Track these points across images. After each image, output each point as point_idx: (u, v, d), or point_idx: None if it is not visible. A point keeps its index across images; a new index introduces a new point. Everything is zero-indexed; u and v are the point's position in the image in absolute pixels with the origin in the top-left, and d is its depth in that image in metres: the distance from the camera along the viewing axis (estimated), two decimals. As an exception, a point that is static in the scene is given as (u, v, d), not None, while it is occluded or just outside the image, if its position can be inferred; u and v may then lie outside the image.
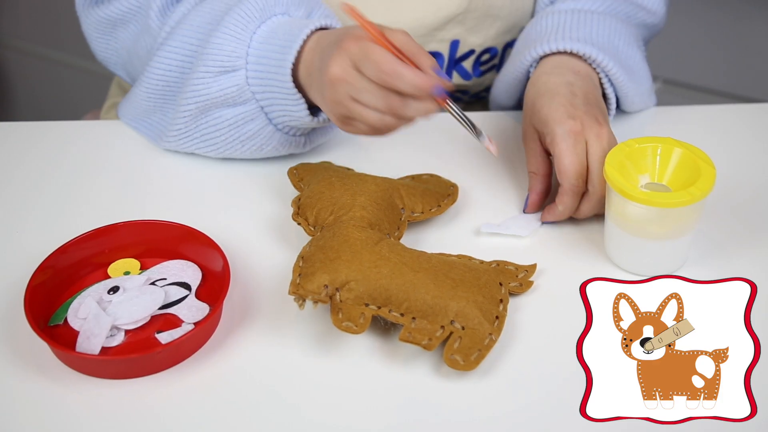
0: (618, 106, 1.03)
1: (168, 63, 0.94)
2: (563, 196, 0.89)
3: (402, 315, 0.78)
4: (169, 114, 0.96)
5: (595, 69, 0.97)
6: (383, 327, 0.80)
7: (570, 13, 1.02)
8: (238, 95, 0.90)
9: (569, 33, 0.98)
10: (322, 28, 0.89)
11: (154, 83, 0.95)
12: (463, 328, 0.77)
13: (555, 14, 1.02)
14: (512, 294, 0.83)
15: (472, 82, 1.10)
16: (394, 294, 0.78)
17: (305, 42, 0.87)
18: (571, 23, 1.00)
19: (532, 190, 0.92)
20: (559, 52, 0.97)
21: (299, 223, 0.87)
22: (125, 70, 1.04)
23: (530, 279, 0.84)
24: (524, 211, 0.92)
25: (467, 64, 1.08)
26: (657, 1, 1.08)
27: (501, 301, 0.80)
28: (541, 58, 0.99)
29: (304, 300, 0.77)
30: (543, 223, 0.91)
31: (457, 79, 1.09)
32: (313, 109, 0.91)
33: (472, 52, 1.07)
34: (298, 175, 0.93)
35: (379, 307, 0.78)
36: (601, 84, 0.99)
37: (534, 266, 0.85)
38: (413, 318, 0.77)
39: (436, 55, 1.06)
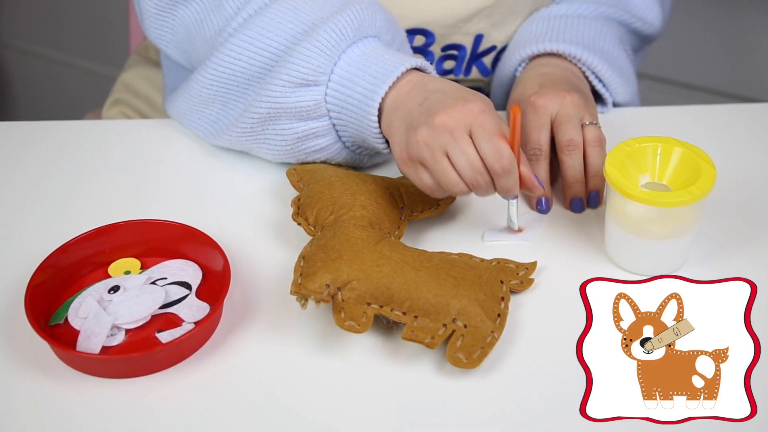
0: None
1: (240, 53, 0.91)
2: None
3: (404, 314, 0.78)
4: (232, 108, 0.94)
5: (581, 68, 1.02)
6: (385, 326, 0.80)
7: (559, 18, 1.06)
8: (313, 110, 0.89)
9: (555, 36, 1.03)
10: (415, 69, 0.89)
11: (221, 71, 0.93)
12: (465, 327, 0.77)
13: (545, 19, 1.06)
14: (513, 292, 0.83)
15: (489, 79, 1.11)
16: (396, 293, 0.78)
17: (398, 78, 0.87)
18: (558, 27, 1.04)
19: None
20: (544, 54, 1.02)
21: (299, 223, 0.87)
22: (180, 48, 1.00)
23: (531, 277, 0.84)
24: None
25: (487, 61, 1.09)
26: (654, 13, 1.10)
27: (502, 299, 0.80)
28: (530, 60, 1.03)
29: (306, 300, 0.78)
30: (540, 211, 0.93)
31: (475, 74, 1.10)
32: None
33: (493, 48, 1.08)
34: (297, 175, 0.93)
35: (382, 306, 0.78)
36: (590, 82, 1.02)
37: (534, 264, 0.85)
38: (415, 317, 0.78)
39: (459, 47, 1.07)
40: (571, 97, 0.94)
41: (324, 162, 0.94)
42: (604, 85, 1.03)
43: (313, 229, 0.86)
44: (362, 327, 0.76)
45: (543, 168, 0.93)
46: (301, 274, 0.79)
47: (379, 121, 0.88)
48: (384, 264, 0.79)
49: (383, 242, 0.81)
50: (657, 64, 1.57)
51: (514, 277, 0.84)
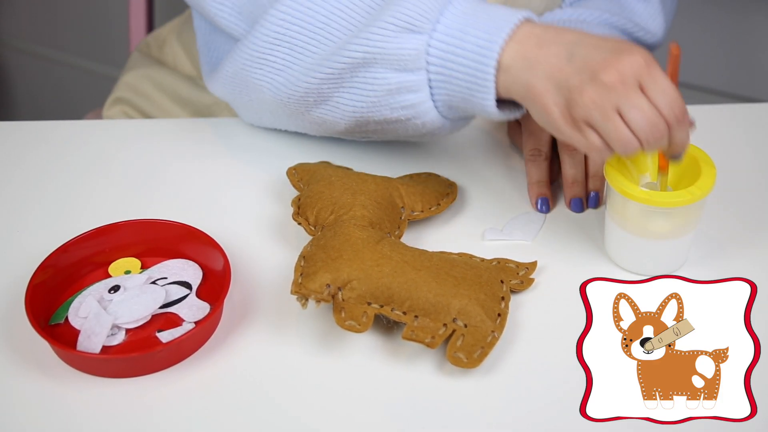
0: None
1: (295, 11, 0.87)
2: (527, 166, 0.94)
3: (404, 313, 0.78)
4: (308, 51, 0.88)
5: None
6: (386, 326, 0.80)
7: (563, 23, 1.04)
8: (412, 61, 0.84)
9: None
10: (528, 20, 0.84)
11: (295, 7, 0.87)
12: (465, 326, 0.77)
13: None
14: (513, 291, 0.83)
15: None
16: (396, 292, 0.78)
17: (515, 30, 0.82)
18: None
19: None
20: None
21: (299, 223, 0.87)
22: (238, 8, 0.93)
23: (531, 276, 0.84)
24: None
25: None
26: (657, 23, 1.10)
27: (503, 298, 0.80)
28: None
29: (306, 299, 0.78)
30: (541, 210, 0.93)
31: None
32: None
33: None
34: (297, 175, 0.93)
35: (382, 306, 0.78)
36: None
37: (534, 263, 0.85)
38: (416, 316, 0.78)
39: None
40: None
41: (409, 119, 0.87)
42: None
43: (313, 228, 0.86)
44: (362, 327, 0.76)
45: (543, 168, 0.93)
46: (301, 274, 0.79)
47: (497, 78, 0.82)
48: (384, 264, 0.79)
49: (383, 242, 0.82)
50: (657, 65, 1.57)
51: (515, 276, 0.84)
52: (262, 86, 0.92)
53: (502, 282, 0.82)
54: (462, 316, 0.77)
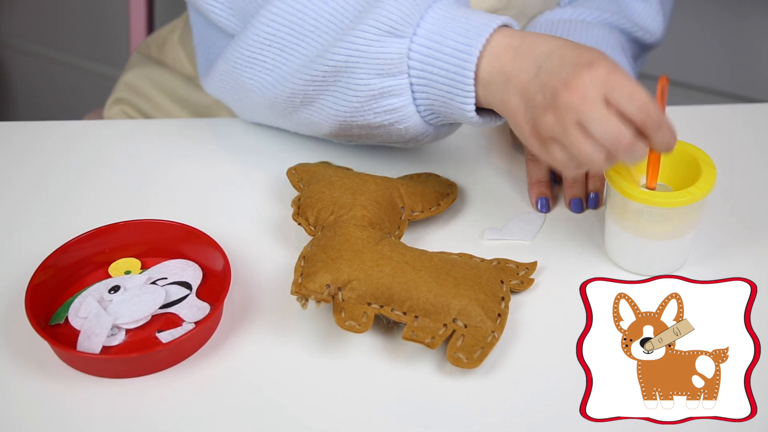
0: None
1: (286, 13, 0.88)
2: (527, 166, 0.94)
3: (404, 314, 0.78)
4: (296, 53, 0.88)
5: None
6: (386, 326, 0.80)
7: (562, 23, 1.05)
8: (394, 65, 0.84)
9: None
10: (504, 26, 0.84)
11: (286, 8, 0.88)
12: (465, 326, 0.77)
13: (548, 23, 1.06)
14: (513, 292, 0.83)
15: None
16: (396, 293, 0.78)
17: (491, 36, 0.82)
18: (561, 31, 1.03)
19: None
20: None
21: (300, 223, 0.87)
22: (232, 5, 0.93)
23: (531, 277, 0.84)
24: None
25: None
26: (656, 23, 1.10)
27: (503, 298, 0.80)
28: None
29: (306, 300, 0.78)
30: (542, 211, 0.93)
31: None
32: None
33: None
34: (297, 176, 0.93)
35: (382, 306, 0.78)
36: None
37: (534, 264, 0.85)
38: (416, 316, 0.78)
39: None
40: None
41: (392, 124, 0.88)
42: None
43: (313, 229, 0.86)
44: (363, 327, 0.76)
45: (543, 168, 0.93)
46: (301, 274, 0.79)
47: (476, 90, 0.83)
48: (384, 264, 0.79)
49: (383, 242, 0.82)
50: (657, 65, 1.56)
51: (515, 277, 0.84)
52: (252, 85, 0.92)
53: (502, 282, 0.82)
54: (462, 317, 0.77)
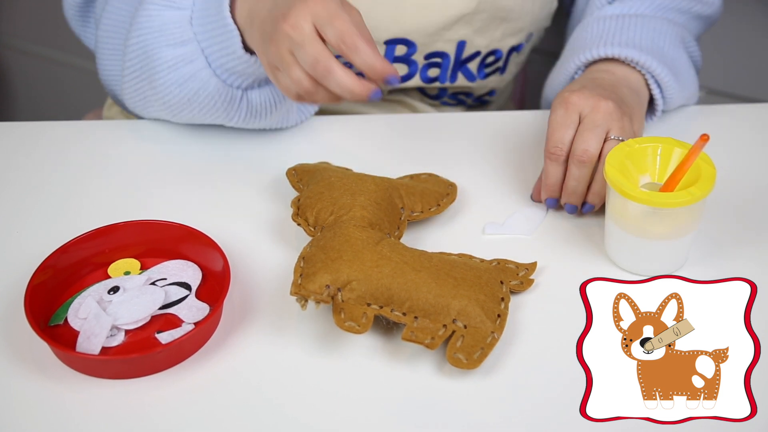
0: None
1: (118, 2, 0.97)
2: (545, 163, 0.90)
3: (404, 314, 0.78)
4: (118, 53, 0.98)
5: (640, 72, 0.98)
6: (385, 326, 0.80)
7: (615, 19, 1.02)
8: (180, 33, 0.91)
9: (612, 39, 0.99)
10: None
11: (106, 17, 0.98)
12: (465, 327, 0.77)
13: (601, 20, 1.03)
14: (513, 292, 0.83)
15: (477, 84, 1.11)
16: (396, 293, 0.78)
17: None
18: (614, 29, 1.00)
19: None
20: (604, 59, 0.98)
21: (299, 224, 0.87)
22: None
23: (531, 277, 0.84)
24: (531, 198, 0.93)
25: (472, 66, 1.08)
26: None
27: (502, 299, 0.80)
28: (587, 67, 0.99)
29: (306, 300, 0.78)
30: (544, 208, 0.92)
31: (461, 80, 1.09)
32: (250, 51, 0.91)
33: (477, 53, 1.07)
34: (296, 176, 0.93)
35: (381, 307, 0.78)
36: (648, 86, 0.98)
37: (534, 264, 0.85)
38: (415, 317, 0.78)
39: (442, 55, 1.06)
40: (605, 103, 0.89)
41: (195, 94, 0.94)
42: (661, 91, 0.99)
43: (312, 229, 0.86)
44: (362, 328, 0.76)
45: (558, 170, 0.90)
46: (301, 275, 0.79)
47: (244, 35, 0.88)
48: (384, 264, 0.79)
49: (383, 243, 0.81)
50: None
51: (514, 277, 0.84)
52: (121, 100, 1.03)
53: (501, 283, 0.82)
54: (462, 317, 0.77)
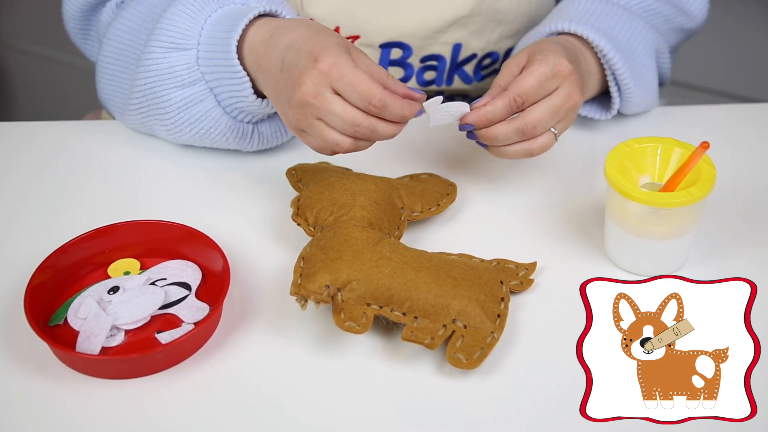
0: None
1: (121, 31, 0.96)
2: (497, 99, 0.86)
3: (404, 314, 0.78)
4: (125, 86, 0.97)
5: (601, 64, 0.97)
6: (385, 326, 0.80)
7: (604, 3, 1.01)
8: (188, 74, 0.91)
9: (593, 21, 0.98)
10: (266, 14, 0.90)
11: (107, 44, 0.98)
12: (465, 327, 0.77)
13: (590, 0, 1.01)
14: (513, 292, 0.83)
15: (473, 86, 1.10)
16: (395, 293, 0.78)
17: (251, 23, 0.88)
18: (599, 12, 1.00)
19: (487, 95, 0.88)
20: (575, 35, 0.97)
21: (299, 224, 0.87)
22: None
23: (531, 277, 0.84)
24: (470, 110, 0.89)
25: (469, 69, 1.08)
26: (700, 6, 1.08)
27: (502, 299, 0.80)
28: (558, 35, 0.98)
29: (306, 300, 0.77)
30: (462, 127, 0.88)
31: (458, 83, 1.09)
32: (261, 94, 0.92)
33: (473, 56, 1.07)
34: (296, 176, 0.93)
35: (381, 307, 0.78)
36: (606, 81, 0.98)
37: (534, 264, 0.85)
38: (415, 317, 0.78)
39: (437, 58, 1.06)
40: (570, 67, 0.87)
41: (207, 132, 0.94)
42: (618, 90, 0.98)
43: (312, 229, 0.86)
44: (362, 328, 0.76)
45: (505, 115, 0.87)
46: (300, 275, 0.79)
47: (254, 81, 0.90)
48: (384, 264, 0.79)
49: (383, 243, 0.81)
50: (657, 64, 1.57)
51: (514, 277, 0.84)
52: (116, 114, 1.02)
53: (501, 283, 0.82)
54: (461, 317, 0.77)
